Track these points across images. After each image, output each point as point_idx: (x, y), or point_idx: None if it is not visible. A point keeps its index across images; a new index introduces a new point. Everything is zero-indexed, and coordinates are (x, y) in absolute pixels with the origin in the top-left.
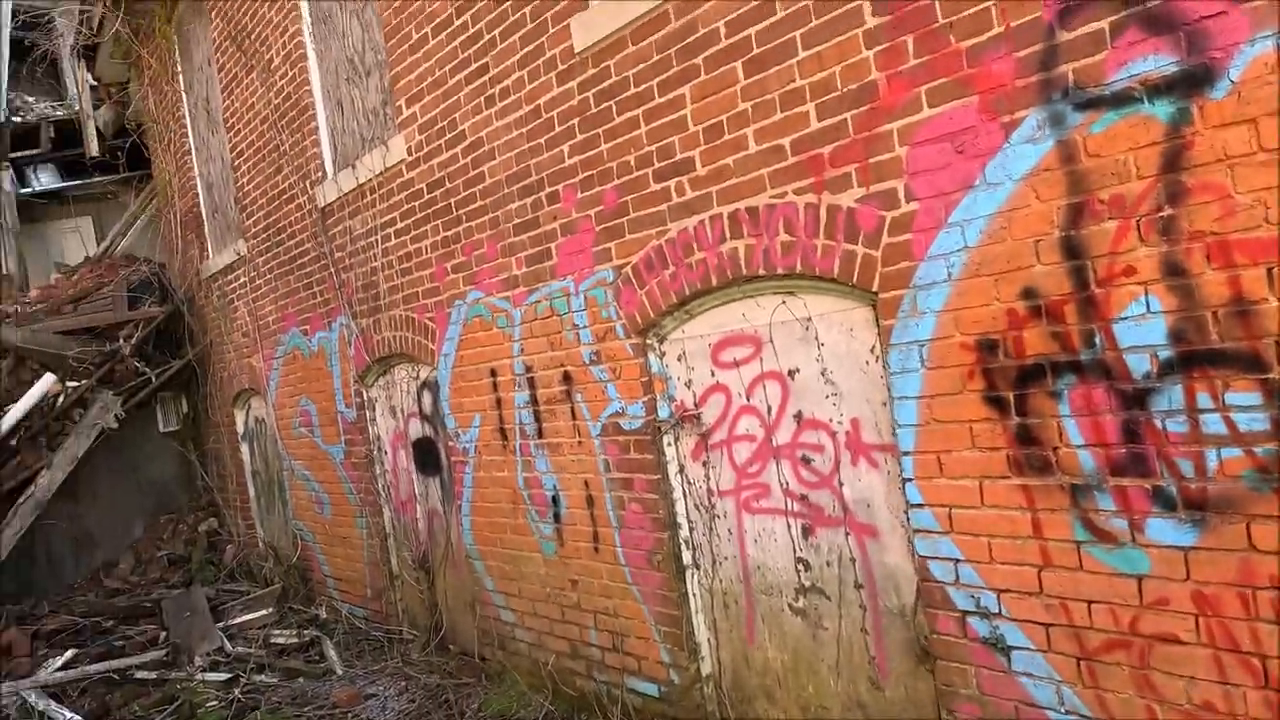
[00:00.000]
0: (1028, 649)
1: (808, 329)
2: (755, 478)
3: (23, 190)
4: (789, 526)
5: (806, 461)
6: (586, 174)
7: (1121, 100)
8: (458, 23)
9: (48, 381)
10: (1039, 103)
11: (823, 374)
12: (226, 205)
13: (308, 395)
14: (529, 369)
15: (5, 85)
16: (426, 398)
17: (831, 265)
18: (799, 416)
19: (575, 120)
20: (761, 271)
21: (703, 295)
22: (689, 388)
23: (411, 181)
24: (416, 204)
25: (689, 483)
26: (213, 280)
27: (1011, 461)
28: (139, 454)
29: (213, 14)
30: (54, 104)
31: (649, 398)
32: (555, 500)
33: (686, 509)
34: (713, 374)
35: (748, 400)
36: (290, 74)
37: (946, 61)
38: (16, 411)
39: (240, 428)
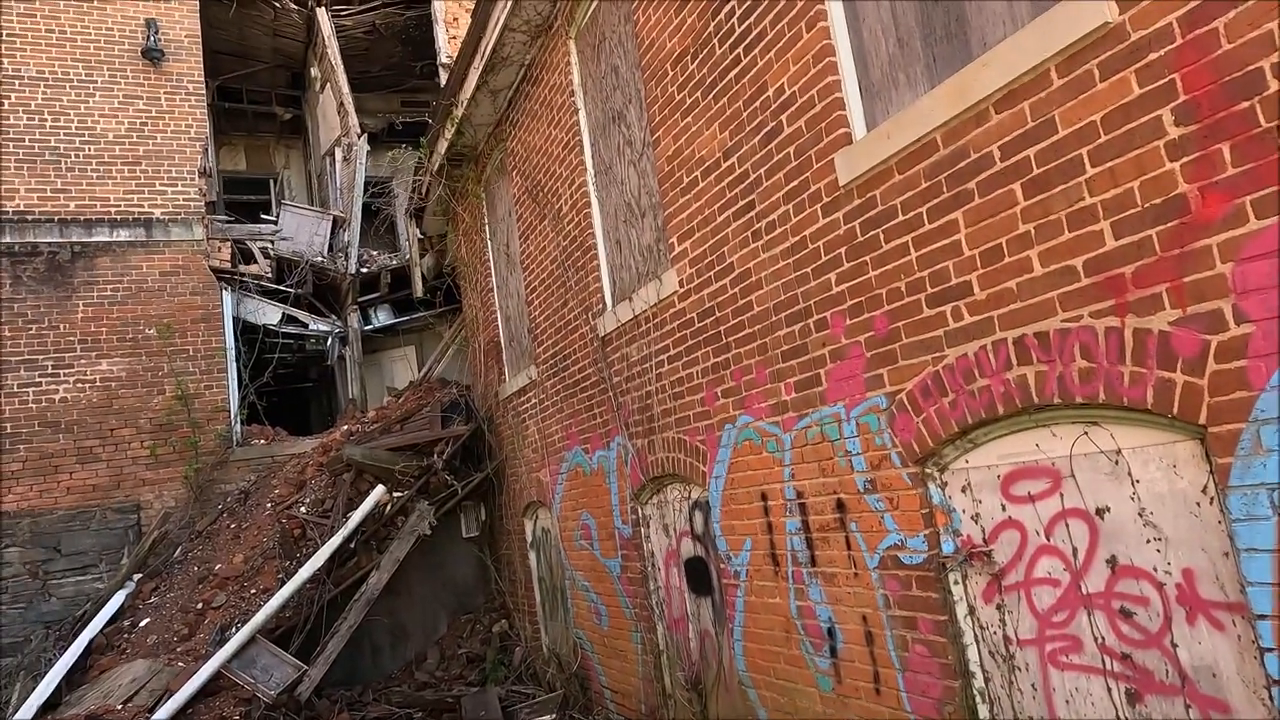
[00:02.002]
0: None
1: (1117, 463)
2: (1062, 628)
3: (366, 327)
4: (1109, 690)
5: (1126, 615)
6: (855, 301)
7: None
8: (725, 165)
9: (379, 492)
10: None
11: (1140, 515)
12: (521, 335)
13: (588, 510)
14: (800, 495)
15: (357, 243)
16: (698, 518)
17: (1143, 394)
18: (1112, 562)
19: (842, 249)
20: (1056, 400)
21: (988, 424)
22: (976, 522)
23: (683, 311)
24: (688, 332)
25: (981, 627)
26: (508, 401)
27: None
28: (444, 557)
29: (513, 174)
30: (390, 255)
31: (930, 531)
32: (831, 633)
33: (980, 656)
34: (1003, 508)
35: (1047, 539)
36: (576, 219)
37: (1275, 169)
38: (356, 518)
39: (529, 536)
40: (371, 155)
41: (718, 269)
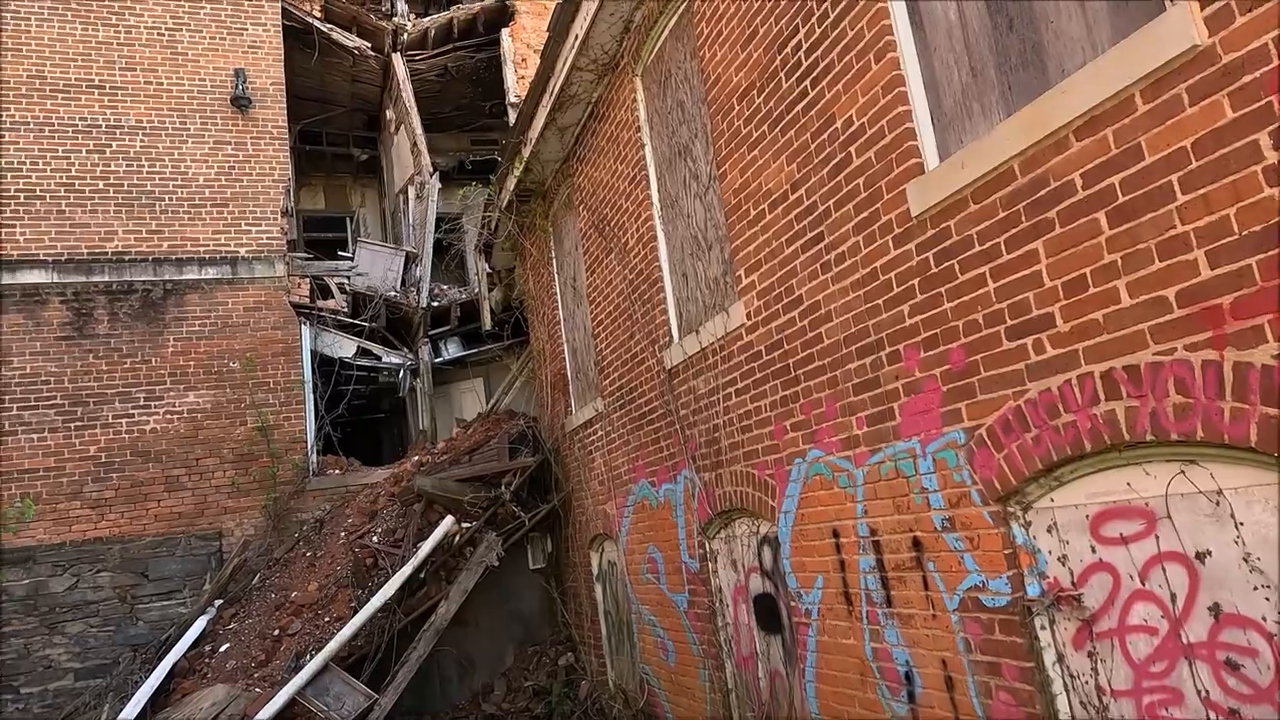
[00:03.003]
0: None
1: (1218, 504)
2: (1161, 679)
3: (436, 360)
4: None
5: (1233, 667)
6: (929, 333)
7: None
8: (792, 197)
9: (448, 523)
10: None
11: (1245, 560)
12: (588, 368)
13: (654, 543)
14: (874, 532)
15: (429, 278)
16: (767, 554)
17: (1245, 432)
18: (1216, 610)
19: (915, 281)
20: (1149, 437)
21: (1074, 461)
22: (1063, 564)
23: (751, 344)
24: (755, 365)
25: (1071, 675)
26: (575, 434)
27: None
28: (511, 588)
29: (580, 209)
30: (460, 289)
31: (1014, 572)
32: (909, 677)
33: (1070, 706)
34: (1093, 550)
35: (1142, 584)
36: (642, 253)
37: None
38: (426, 548)
39: (595, 569)
40: (443, 193)
41: (786, 301)
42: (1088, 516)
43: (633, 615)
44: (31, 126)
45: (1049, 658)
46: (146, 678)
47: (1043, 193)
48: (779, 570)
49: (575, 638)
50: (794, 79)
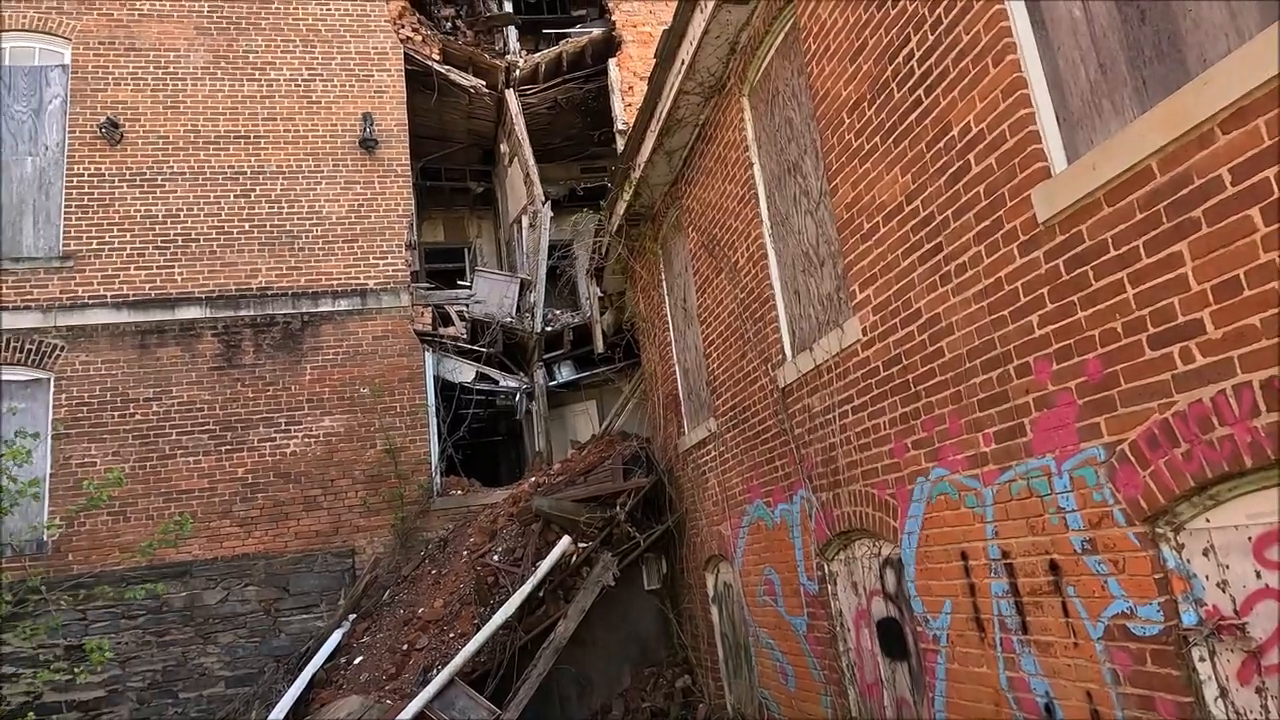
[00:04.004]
0: None
1: None
2: None
3: (550, 383)
4: None
5: None
6: (1061, 344)
7: None
8: (908, 209)
9: (565, 543)
10: None
11: None
12: (699, 388)
13: (771, 564)
14: (1006, 554)
15: (542, 303)
16: (889, 576)
17: None
18: None
19: (1044, 290)
20: None
21: (1232, 478)
22: (1223, 590)
23: (867, 360)
24: (873, 381)
25: (1237, 713)
26: (688, 454)
27: None
28: (627, 609)
29: (689, 230)
30: (572, 314)
31: (1166, 599)
32: (1049, 709)
33: None
34: (1258, 575)
35: None
36: (753, 271)
37: None
38: (544, 567)
39: (710, 590)
40: (554, 220)
41: (903, 315)
42: (1250, 538)
43: (750, 638)
44: (188, 176)
45: (1210, 692)
46: (288, 687)
47: (1186, 191)
48: (903, 593)
49: (692, 660)
50: (906, 88)
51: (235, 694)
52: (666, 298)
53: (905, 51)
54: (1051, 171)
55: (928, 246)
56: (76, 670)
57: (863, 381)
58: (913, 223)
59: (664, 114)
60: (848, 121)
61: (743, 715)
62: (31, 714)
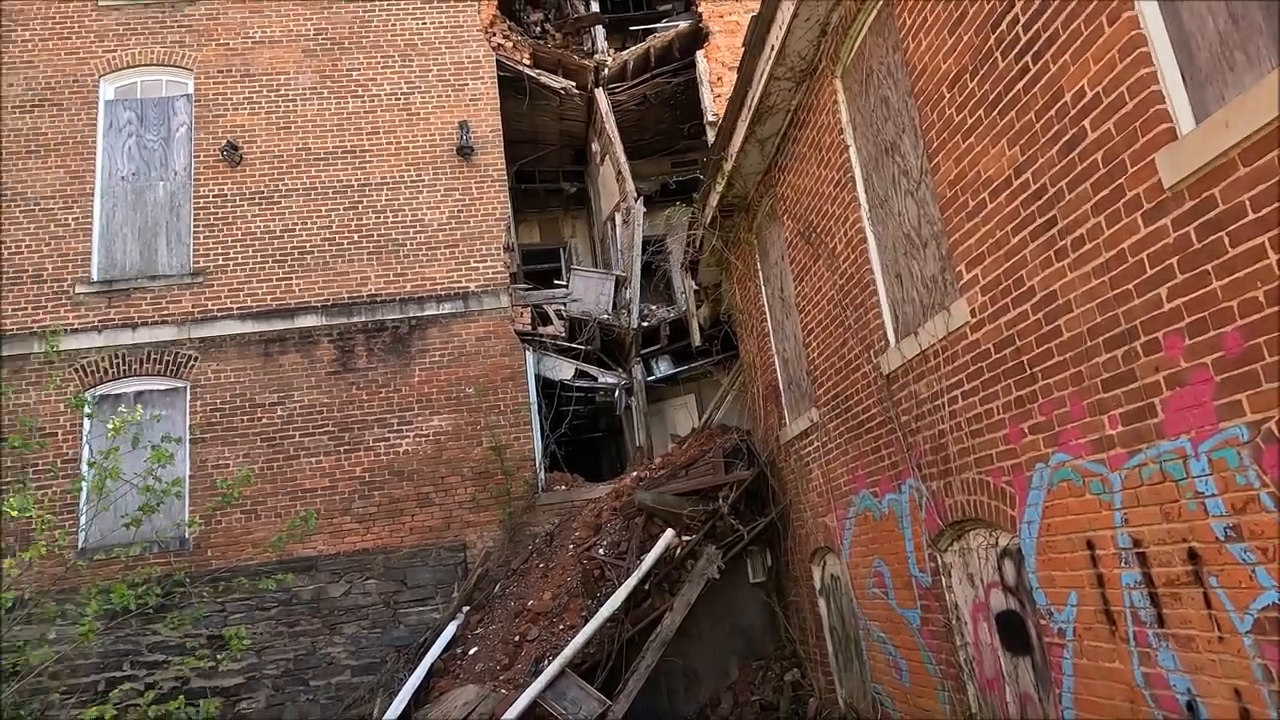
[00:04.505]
0: None
1: None
2: None
3: (648, 378)
4: None
5: None
6: (1195, 317)
7: None
8: (1017, 183)
9: (669, 536)
10: None
11: None
12: (800, 378)
13: (880, 556)
14: (1138, 543)
15: (638, 299)
16: (1008, 567)
17: None
18: None
19: (1173, 260)
20: None
21: None
22: None
23: (977, 343)
24: (984, 364)
25: None
26: (790, 445)
27: None
28: (732, 602)
29: (784, 218)
30: (668, 308)
31: None
32: (1191, 707)
33: None
34: None
35: None
36: (852, 256)
37: None
38: (649, 560)
39: (817, 583)
40: (647, 216)
41: (1015, 294)
42: None
43: (860, 631)
44: (301, 192)
45: None
46: (409, 676)
47: None
48: (1024, 585)
49: (800, 653)
50: (1012, 56)
51: (360, 682)
52: (763, 288)
53: (1010, 18)
54: (1177, 133)
55: (1040, 221)
56: (219, 658)
57: (973, 365)
58: (1023, 197)
59: (755, 102)
60: (948, 96)
61: (855, 710)
62: (181, 697)
